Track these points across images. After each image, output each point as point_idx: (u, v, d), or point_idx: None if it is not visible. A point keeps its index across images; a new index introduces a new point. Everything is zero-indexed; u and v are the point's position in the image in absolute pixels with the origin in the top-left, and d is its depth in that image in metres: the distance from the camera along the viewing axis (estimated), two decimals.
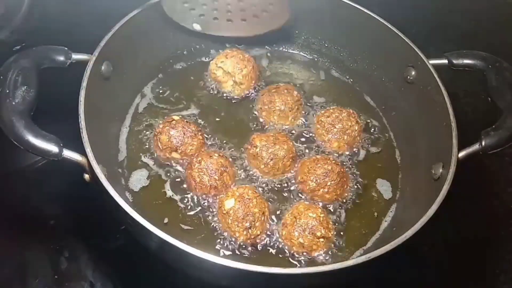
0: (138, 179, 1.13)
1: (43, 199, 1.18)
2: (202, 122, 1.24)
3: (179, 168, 1.15)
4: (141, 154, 1.17)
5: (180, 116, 1.23)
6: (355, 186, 1.18)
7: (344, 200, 1.15)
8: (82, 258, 1.12)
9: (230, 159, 1.16)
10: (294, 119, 1.26)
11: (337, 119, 1.22)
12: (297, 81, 1.38)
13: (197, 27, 1.30)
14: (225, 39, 1.36)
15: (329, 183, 1.12)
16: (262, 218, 1.05)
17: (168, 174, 1.14)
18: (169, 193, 1.12)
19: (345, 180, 1.15)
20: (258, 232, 1.05)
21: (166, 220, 1.07)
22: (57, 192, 1.19)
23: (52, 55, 1.05)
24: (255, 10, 1.30)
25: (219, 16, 1.29)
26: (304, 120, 1.27)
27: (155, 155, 1.16)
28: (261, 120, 1.26)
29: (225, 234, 1.05)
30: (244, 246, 1.04)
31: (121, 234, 1.12)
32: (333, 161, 1.15)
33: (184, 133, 1.14)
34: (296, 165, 1.17)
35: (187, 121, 1.18)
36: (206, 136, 1.20)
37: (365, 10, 1.30)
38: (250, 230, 1.04)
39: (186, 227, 1.07)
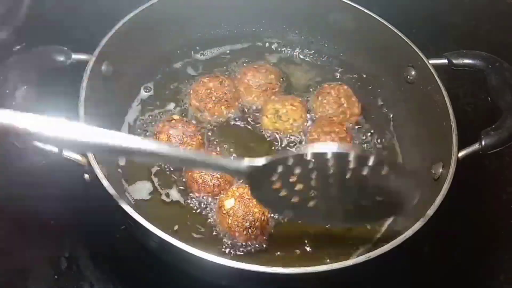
0: (138, 179, 1.13)
1: (43, 199, 1.18)
2: (202, 122, 1.24)
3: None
4: None
5: (180, 116, 1.23)
6: None
7: None
8: (82, 258, 1.12)
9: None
10: (257, 98, 1.27)
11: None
12: (297, 81, 1.38)
13: (288, 214, 0.98)
14: None
15: None
16: (262, 218, 1.05)
17: (168, 175, 1.14)
18: (169, 193, 1.12)
19: None
20: (258, 232, 1.04)
21: (166, 220, 1.07)
22: (57, 192, 1.19)
23: (52, 55, 1.05)
24: (368, 197, 0.90)
25: (317, 205, 0.92)
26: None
27: None
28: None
29: (225, 234, 1.05)
30: (244, 246, 1.04)
31: (121, 234, 1.12)
32: (344, 129, 1.20)
33: (183, 133, 1.14)
34: None
35: (186, 121, 1.18)
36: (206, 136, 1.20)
37: (365, 10, 1.30)
38: (250, 230, 1.04)
39: (186, 227, 1.07)
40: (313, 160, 0.83)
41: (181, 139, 1.14)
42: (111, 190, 0.92)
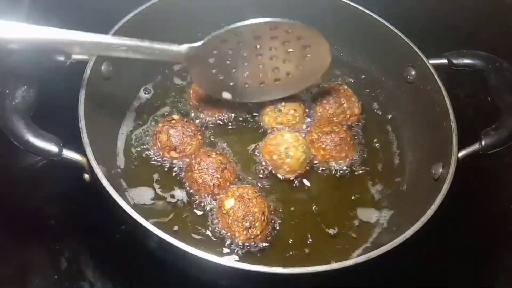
0: (138, 179, 1.13)
1: (43, 199, 1.18)
2: (203, 122, 1.24)
3: (179, 167, 1.15)
4: (141, 153, 1.17)
5: (180, 115, 1.23)
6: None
7: None
8: (82, 258, 1.12)
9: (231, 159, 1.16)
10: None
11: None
12: None
13: (227, 95, 1.17)
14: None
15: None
16: (262, 218, 1.05)
17: (169, 174, 1.14)
18: (169, 194, 1.12)
19: (347, 149, 1.20)
20: (258, 232, 1.05)
21: (166, 220, 1.08)
22: (57, 192, 1.19)
23: (52, 55, 1.05)
24: (289, 67, 1.14)
25: (250, 82, 1.14)
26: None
27: (155, 154, 1.16)
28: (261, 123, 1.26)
29: (225, 234, 1.05)
30: (243, 246, 1.04)
31: (121, 234, 1.12)
32: (344, 129, 1.21)
33: (183, 133, 1.14)
34: None
35: (186, 121, 1.18)
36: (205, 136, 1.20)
37: (365, 10, 1.30)
38: (250, 230, 1.04)
39: (186, 227, 1.07)
40: (243, 33, 1.03)
41: (181, 139, 1.14)
42: (111, 190, 0.92)
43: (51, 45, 0.94)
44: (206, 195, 1.10)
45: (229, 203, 1.05)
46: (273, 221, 1.09)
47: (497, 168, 1.35)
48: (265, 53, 1.09)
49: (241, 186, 1.10)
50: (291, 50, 1.10)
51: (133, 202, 1.09)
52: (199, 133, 1.17)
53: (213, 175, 1.09)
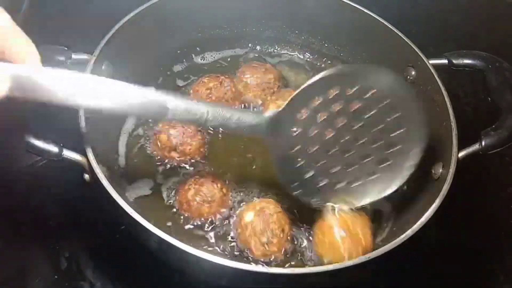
0: (138, 179, 1.13)
1: (43, 199, 1.18)
2: None
3: (180, 167, 1.15)
4: (141, 153, 1.17)
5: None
6: None
7: None
8: (82, 258, 1.12)
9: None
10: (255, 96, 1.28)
11: None
12: (297, 81, 1.37)
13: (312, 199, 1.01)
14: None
15: None
16: (281, 235, 1.02)
17: (169, 175, 1.14)
18: (168, 192, 1.12)
19: None
20: (275, 249, 1.02)
21: (166, 221, 1.08)
22: (57, 192, 1.19)
23: (52, 55, 1.05)
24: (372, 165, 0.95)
25: (334, 176, 0.97)
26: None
27: (155, 154, 1.16)
28: None
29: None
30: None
31: (121, 234, 1.12)
32: None
33: (183, 133, 1.14)
34: None
35: None
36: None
37: (365, 10, 1.30)
38: (267, 246, 1.01)
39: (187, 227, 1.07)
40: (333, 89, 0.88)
41: (181, 139, 1.14)
42: (111, 190, 0.92)
43: (142, 110, 0.88)
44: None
45: (248, 216, 1.03)
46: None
47: (497, 168, 1.35)
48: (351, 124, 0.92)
49: (264, 199, 1.07)
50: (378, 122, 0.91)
51: (132, 197, 1.10)
52: (199, 134, 1.17)
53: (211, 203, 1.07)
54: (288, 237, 1.04)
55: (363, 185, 0.98)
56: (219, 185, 1.09)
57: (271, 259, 1.02)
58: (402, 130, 0.92)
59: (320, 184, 0.98)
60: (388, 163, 0.95)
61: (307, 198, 1.01)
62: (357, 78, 0.89)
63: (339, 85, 0.89)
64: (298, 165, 0.95)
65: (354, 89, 0.89)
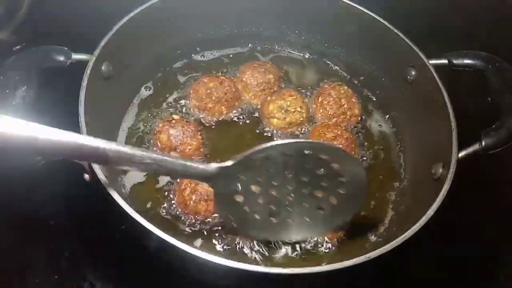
0: (138, 179, 1.13)
1: (43, 199, 1.18)
2: (203, 122, 1.24)
3: None
4: None
5: (180, 115, 1.23)
6: None
7: None
8: (82, 258, 1.12)
9: None
10: (254, 96, 1.28)
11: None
12: (296, 81, 1.37)
13: (250, 232, 1.03)
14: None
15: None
16: None
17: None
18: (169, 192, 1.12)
19: (353, 146, 1.19)
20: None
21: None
22: (57, 192, 1.19)
23: (52, 55, 1.05)
24: (321, 202, 0.98)
25: (278, 216, 0.99)
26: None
27: None
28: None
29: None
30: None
31: (121, 234, 1.12)
32: (343, 128, 1.20)
33: (183, 133, 1.14)
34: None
35: (186, 121, 1.18)
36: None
37: (365, 10, 1.30)
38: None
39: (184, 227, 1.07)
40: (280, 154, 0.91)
41: (181, 139, 1.14)
42: (111, 190, 0.92)
43: (70, 153, 0.84)
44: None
45: None
46: None
47: (497, 168, 1.35)
48: (297, 183, 0.96)
49: None
50: (324, 182, 0.96)
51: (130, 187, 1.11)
52: (199, 133, 1.17)
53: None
54: None
55: (299, 228, 1.01)
56: None
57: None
58: (343, 193, 0.97)
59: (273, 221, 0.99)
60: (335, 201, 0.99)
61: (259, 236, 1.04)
62: (315, 155, 0.92)
63: (294, 157, 0.92)
64: (242, 210, 0.97)
65: (308, 165, 0.93)
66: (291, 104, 1.23)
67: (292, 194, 0.97)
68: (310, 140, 1.04)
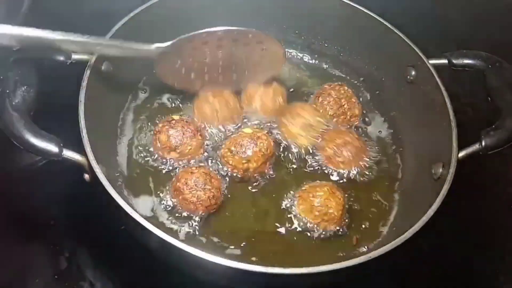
0: (138, 179, 1.13)
1: (43, 199, 1.18)
2: (202, 122, 1.24)
3: (179, 167, 1.15)
4: (141, 152, 1.17)
5: (180, 115, 1.22)
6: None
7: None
8: (82, 258, 1.12)
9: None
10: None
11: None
12: (294, 82, 1.37)
13: (185, 85, 1.25)
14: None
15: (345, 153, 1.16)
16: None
17: (168, 174, 1.14)
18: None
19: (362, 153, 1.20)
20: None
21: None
22: (57, 192, 1.19)
23: (52, 55, 1.05)
24: (248, 65, 1.26)
25: (210, 76, 1.25)
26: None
27: (155, 154, 1.16)
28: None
29: None
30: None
31: (121, 234, 1.12)
32: (356, 137, 1.20)
33: (183, 133, 1.14)
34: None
35: (186, 121, 1.17)
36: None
37: (365, 10, 1.30)
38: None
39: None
40: (208, 37, 1.17)
41: (181, 140, 1.14)
42: (111, 190, 0.92)
43: (35, 43, 0.99)
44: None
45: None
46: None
47: (497, 168, 1.35)
48: (226, 54, 1.22)
49: None
50: (250, 51, 1.22)
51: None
52: (199, 134, 1.17)
53: (205, 189, 1.07)
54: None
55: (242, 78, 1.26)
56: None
57: None
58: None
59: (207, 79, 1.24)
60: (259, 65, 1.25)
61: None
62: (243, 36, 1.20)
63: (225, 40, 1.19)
64: (183, 72, 1.22)
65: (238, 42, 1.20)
66: (315, 121, 1.22)
67: (222, 61, 1.22)
68: (235, 28, 1.20)
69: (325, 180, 1.16)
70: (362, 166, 1.19)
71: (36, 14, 1.27)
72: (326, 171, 1.19)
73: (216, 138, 1.20)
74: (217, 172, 1.13)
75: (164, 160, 1.15)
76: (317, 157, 1.20)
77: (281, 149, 1.21)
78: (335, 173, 1.18)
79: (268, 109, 1.25)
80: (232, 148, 1.13)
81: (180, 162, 1.15)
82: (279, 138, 1.22)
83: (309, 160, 1.20)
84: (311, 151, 1.21)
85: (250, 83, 1.27)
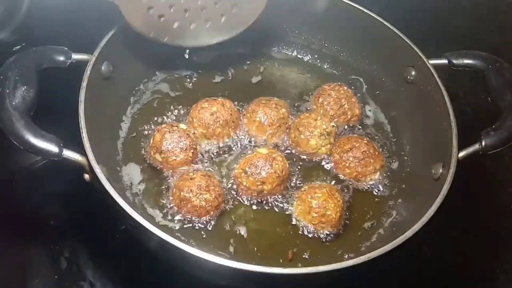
0: (137, 179, 1.13)
1: (43, 199, 1.18)
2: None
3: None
4: (140, 153, 1.17)
5: (178, 120, 1.21)
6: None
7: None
8: (82, 258, 1.12)
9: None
10: (272, 135, 1.21)
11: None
12: (295, 82, 1.38)
13: (156, 34, 1.17)
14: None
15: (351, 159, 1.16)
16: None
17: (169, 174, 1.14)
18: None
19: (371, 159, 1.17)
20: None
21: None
22: (57, 192, 1.19)
23: (52, 55, 1.05)
24: (222, 8, 1.19)
25: (181, 21, 1.17)
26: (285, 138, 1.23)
27: (146, 151, 1.16)
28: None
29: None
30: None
31: (121, 234, 1.12)
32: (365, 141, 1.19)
33: (177, 143, 1.11)
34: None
35: (188, 134, 1.14)
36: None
37: (365, 10, 1.30)
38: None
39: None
40: None
41: (171, 147, 1.10)
42: (111, 190, 0.92)
43: None
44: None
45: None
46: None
47: (497, 168, 1.35)
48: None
49: None
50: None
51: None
52: (191, 151, 1.12)
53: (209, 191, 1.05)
54: None
55: (214, 26, 1.20)
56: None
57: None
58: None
59: (176, 26, 1.17)
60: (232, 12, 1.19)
61: (169, 40, 1.19)
62: None
63: None
64: (151, 14, 1.13)
65: None
66: (328, 128, 1.20)
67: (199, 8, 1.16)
68: None
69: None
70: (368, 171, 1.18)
71: (36, 14, 1.28)
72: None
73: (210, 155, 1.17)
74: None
75: (149, 159, 1.15)
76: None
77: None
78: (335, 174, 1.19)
79: (272, 123, 1.20)
80: (247, 169, 1.09)
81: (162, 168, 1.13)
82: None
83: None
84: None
85: (224, 34, 1.22)
